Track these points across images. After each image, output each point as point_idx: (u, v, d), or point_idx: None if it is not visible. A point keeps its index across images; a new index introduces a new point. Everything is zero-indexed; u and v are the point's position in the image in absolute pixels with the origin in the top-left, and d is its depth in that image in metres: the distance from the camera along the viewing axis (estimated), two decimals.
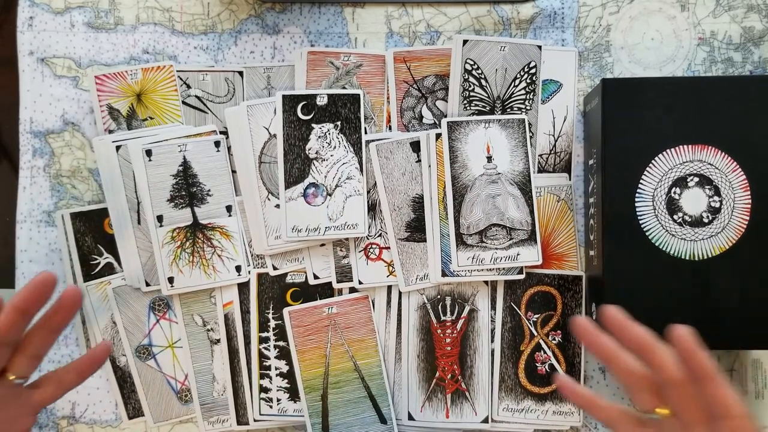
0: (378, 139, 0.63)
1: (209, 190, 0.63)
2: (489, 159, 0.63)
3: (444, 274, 0.63)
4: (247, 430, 0.64)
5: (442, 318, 0.64)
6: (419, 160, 0.63)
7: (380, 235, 0.64)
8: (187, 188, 0.63)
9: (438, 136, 0.63)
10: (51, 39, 0.65)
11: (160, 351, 0.64)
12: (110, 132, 0.64)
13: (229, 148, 0.64)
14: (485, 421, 0.63)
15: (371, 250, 0.64)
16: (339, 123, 0.63)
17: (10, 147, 0.66)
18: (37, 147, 0.65)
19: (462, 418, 0.64)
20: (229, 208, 0.64)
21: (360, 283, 0.63)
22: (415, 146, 0.63)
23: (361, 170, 0.63)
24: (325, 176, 0.63)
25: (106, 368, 0.64)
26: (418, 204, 0.63)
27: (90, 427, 0.65)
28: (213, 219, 0.63)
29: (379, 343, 0.64)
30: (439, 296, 0.64)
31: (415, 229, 0.63)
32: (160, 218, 0.62)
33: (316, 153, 0.63)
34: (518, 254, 0.62)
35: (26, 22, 0.65)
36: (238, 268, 0.64)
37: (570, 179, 0.65)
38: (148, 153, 0.62)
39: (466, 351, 0.64)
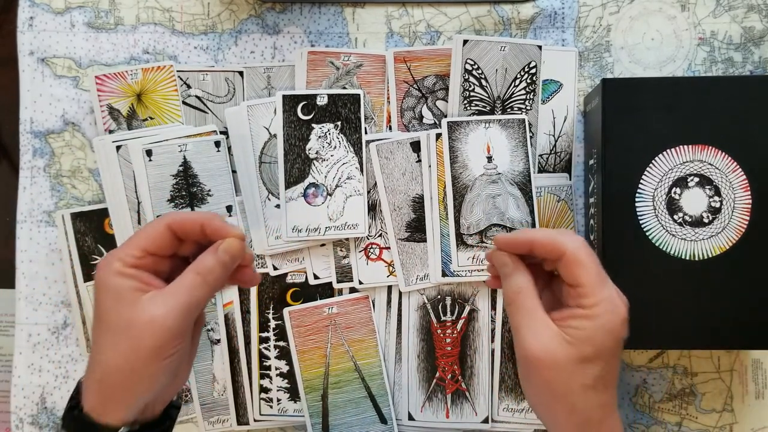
0: (378, 139, 0.63)
1: (209, 190, 0.63)
2: (489, 159, 0.63)
3: (444, 274, 0.63)
4: (247, 430, 0.64)
5: (443, 318, 0.64)
6: (419, 160, 0.63)
7: (380, 235, 0.64)
8: (187, 188, 0.63)
9: (438, 136, 0.63)
10: (51, 39, 0.65)
11: None
12: (110, 132, 0.64)
13: (229, 149, 0.64)
14: (485, 421, 0.63)
15: (371, 250, 0.64)
16: (339, 123, 0.63)
17: (11, 147, 0.66)
18: (37, 147, 0.65)
19: (462, 418, 0.64)
20: (229, 208, 0.64)
21: (360, 283, 0.63)
22: (416, 146, 0.63)
23: (362, 170, 0.63)
24: (326, 176, 0.63)
25: None
26: (418, 204, 0.63)
27: None
28: None
29: (379, 343, 0.64)
30: (439, 296, 0.64)
31: (416, 229, 0.63)
32: None
33: (317, 153, 0.63)
34: None
35: (26, 22, 0.65)
36: None
37: (570, 179, 0.65)
38: (149, 153, 0.62)
39: (467, 351, 0.64)
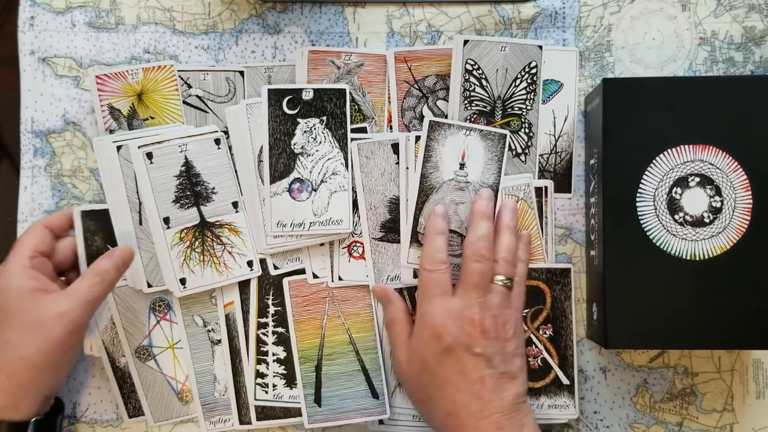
0: (360, 138, 0.63)
1: (214, 188, 0.63)
2: (462, 166, 0.62)
3: (415, 276, 0.62)
4: (248, 429, 0.64)
5: None
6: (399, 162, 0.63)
7: None
8: (191, 188, 0.63)
9: (417, 138, 0.62)
10: (52, 39, 0.65)
11: (161, 352, 0.64)
12: (111, 132, 0.64)
13: (230, 148, 0.64)
14: None
15: (354, 248, 0.64)
16: (325, 118, 0.63)
17: (11, 147, 0.66)
18: (38, 147, 0.65)
19: None
20: (235, 204, 0.64)
21: (339, 279, 0.63)
22: (396, 148, 0.63)
23: (347, 166, 0.63)
24: (311, 171, 0.62)
25: (107, 368, 0.64)
26: (394, 205, 0.63)
27: (91, 427, 0.65)
28: (220, 216, 0.63)
29: (375, 317, 0.64)
30: None
31: (390, 230, 0.63)
32: (166, 220, 0.62)
33: (302, 148, 0.63)
34: None
35: (27, 22, 0.65)
36: (249, 263, 0.63)
37: (535, 178, 0.64)
38: (149, 156, 0.62)
39: None
